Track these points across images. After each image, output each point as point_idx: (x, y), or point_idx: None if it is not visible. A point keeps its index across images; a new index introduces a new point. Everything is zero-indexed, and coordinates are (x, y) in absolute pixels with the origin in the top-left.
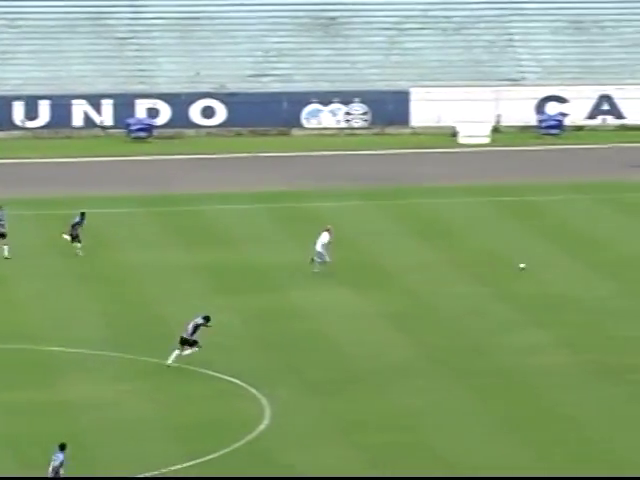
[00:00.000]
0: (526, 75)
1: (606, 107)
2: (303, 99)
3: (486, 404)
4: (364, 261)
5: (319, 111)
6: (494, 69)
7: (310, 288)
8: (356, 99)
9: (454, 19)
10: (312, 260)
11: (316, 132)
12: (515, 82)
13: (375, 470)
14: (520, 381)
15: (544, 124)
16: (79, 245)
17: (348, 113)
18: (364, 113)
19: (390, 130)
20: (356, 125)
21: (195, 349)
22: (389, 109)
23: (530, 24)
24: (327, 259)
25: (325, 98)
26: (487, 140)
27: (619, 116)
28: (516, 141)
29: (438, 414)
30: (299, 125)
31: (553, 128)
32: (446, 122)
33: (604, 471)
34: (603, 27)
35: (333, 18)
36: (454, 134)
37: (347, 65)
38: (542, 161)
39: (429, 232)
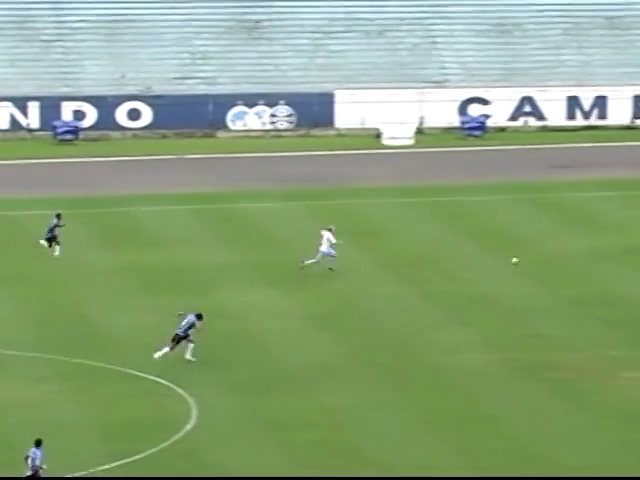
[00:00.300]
0: (449, 77)
1: (528, 109)
2: (228, 101)
3: (411, 402)
4: (290, 261)
5: (244, 113)
6: (418, 71)
7: (237, 288)
8: (281, 101)
9: (378, 22)
10: (303, 263)
11: (242, 134)
12: (438, 84)
13: (301, 469)
14: (444, 379)
15: (467, 125)
16: (57, 247)
17: (273, 115)
18: (289, 115)
19: (315, 132)
20: (281, 127)
21: (191, 345)
22: (314, 111)
23: (453, 27)
24: (319, 256)
25: (250, 100)
26: (411, 141)
27: (540, 117)
28: (439, 142)
29: (364, 413)
30: (225, 127)
31: (476, 129)
32: (370, 124)
33: (526, 468)
34: (525, 30)
35: (258, 21)
36: (378, 135)
37: (272, 68)
38: (465, 162)
39: (354, 232)
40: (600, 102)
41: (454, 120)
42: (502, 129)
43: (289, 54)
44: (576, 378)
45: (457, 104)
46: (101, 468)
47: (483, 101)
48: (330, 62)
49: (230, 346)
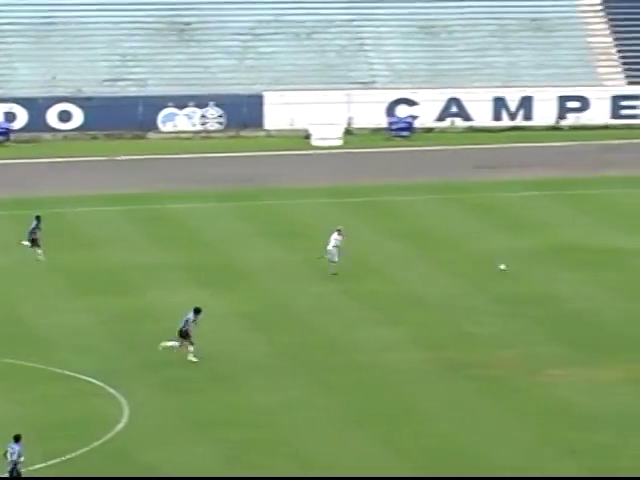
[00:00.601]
0: (377, 79)
1: (455, 109)
2: (159, 103)
3: (341, 400)
4: (220, 262)
5: (175, 115)
6: (346, 73)
7: (167, 289)
8: (211, 103)
9: (306, 24)
10: (322, 257)
11: (172, 135)
12: (366, 85)
13: (232, 467)
14: (374, 377)
15: (395, 126)
16: (39, 250)
17: (203, 116)
18: (219, 116)
19: (245, 133)
20: (211, 128)
21: (191, 347)
22: (244, 112)
23: (380, 29)
24: (335, 259)
25: (180, 102)
26: (340, 142)
27: (467, 118)
28: (368, 143)
29: (294, 411)
30: (155, 128)
31: (403, 130)
32: (300, 125)
33: (456, 465)
34: (451, 32)
35: (188, 23)
36: (307, 136)
37: (202, 69)
38: (393, 162)
39: (284, 232)
40: (526, 103)
41: (382, 121)
42: (429, 130)
43: (219, 56)
44: (504, 375)
45: (385, 105)
46: (33, 468)
47: (410, 102)
48: (259, 64)
49: None
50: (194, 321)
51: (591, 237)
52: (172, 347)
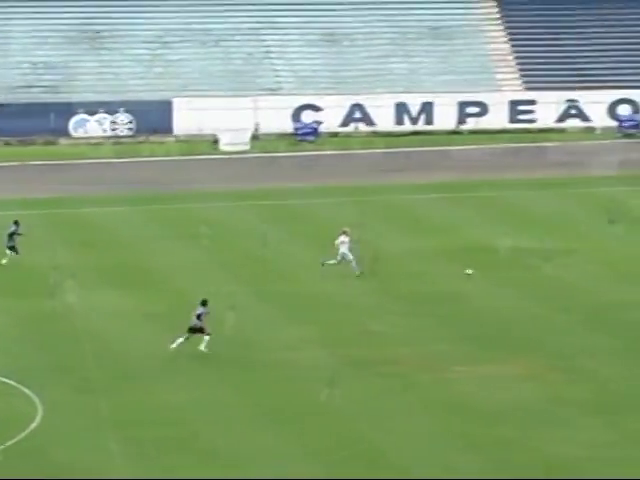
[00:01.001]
0: (283, 85)
1: (358, 115)
2: (70, 109)
3: (251, 398)
4: (131, 263)
5: (85, 121)
6: (252, 79)
7: (81, 290)
8: (121, 109)
9: (213, 32)
10: (323, 263)
11: (83, 141)
12: (272, 92)
13: (144, 465)
14: (283, 375)
15: (300, 131)
16: (9, 253)
17: (114, 122)
18: (129, 122)
19: (154, 138)
20: (121, 134)
21: (206, 337)
22: (153, 118)
23: (285, 37)
24: (350, 257)
25: (91, 108)
26: (247, 147)
27: (370, 123)
28: (274, 147)
29: (206, 408)
30: (66, 134)
31: (309, 135)
32: (208, 130)
33: (366, 462)
34: (353, 40)
35: (98, 31)
36: (216, 141)
37: (112, 76)
38: (299, 166)
39: (193, 235)
40: (427, 108)
41: (288, 126)
42: (334, 134)
43: (128, 63)
44: (409, 373)
45: (291, 111)
46: None
47: (315, 108)
48: (168, 71)
49: (74, 346)
50: (208, 313)
51: (493, 238)
52: (181, 343)
